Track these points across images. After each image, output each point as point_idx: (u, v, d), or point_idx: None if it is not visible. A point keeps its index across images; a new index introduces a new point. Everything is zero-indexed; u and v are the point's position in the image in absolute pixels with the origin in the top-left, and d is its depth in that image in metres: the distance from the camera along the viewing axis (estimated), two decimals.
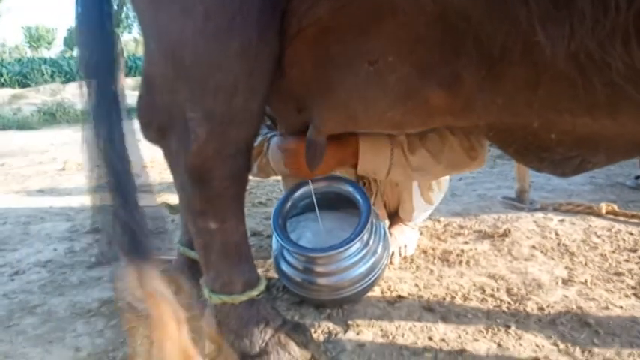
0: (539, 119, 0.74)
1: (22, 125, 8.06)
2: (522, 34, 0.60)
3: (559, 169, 0.87)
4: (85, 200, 2.66)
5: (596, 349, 1.07)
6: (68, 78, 16.10)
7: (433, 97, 0.78)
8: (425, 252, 1.67)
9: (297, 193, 1.36)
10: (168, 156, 1.00)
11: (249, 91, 0.85)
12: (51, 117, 8.95)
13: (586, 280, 1.41)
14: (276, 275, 1.39)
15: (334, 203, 1.37)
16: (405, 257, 1.62)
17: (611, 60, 0.53)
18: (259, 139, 1.42)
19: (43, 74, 14.80)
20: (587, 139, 0.78)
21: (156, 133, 0.98)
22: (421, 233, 1.82)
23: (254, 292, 1.01)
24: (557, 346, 1.09)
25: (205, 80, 0.83)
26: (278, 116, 1.22)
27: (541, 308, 1.26)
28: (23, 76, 16.07)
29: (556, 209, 2.07)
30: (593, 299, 1.29)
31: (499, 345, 1.10)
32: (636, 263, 1.51)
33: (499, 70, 0.67)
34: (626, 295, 1.31)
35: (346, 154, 1.24)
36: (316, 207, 1.31)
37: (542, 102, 0.67)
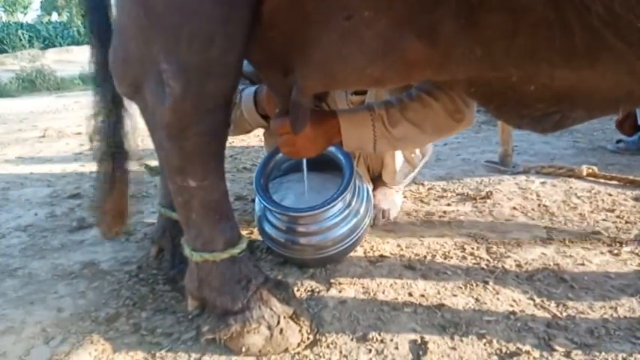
0: (518, 71, 0.73)
1: (0, 93, 7.83)
2: None
3: (539, 125, 0.87)
4: (67, 166, 2.61)
5: (570, 303, 1.10)
6: (47, 44, 15.60)
7: (412, 51, 0.76)
8: (408, 214, 1.69)
9: (280, 155, 1.34)
10: (144, 112, 0.97)
11: (226, 41, 0.82)
12: (30, 84, 8.71)
13: (564, 239, 1.44)
14: (260, 237, 1.39)
15: (317, 165, 1.36)
16: (388, 219, 1.63)
17: (590, 3, 0.52)
18: None
19: (21, 39, 14.31)
20: (566, 93, 0.77)
21: (130, 87, 0.95)
22: (405, 197, 1.83)
23: (235, 250, 1.00)
24: (534, 300, 1.12)
25: (179, 28, 0.79)
26: (267, 84, 1.19)
27: (519, 265, 1.28)
28: None
29: (538, 172, 2.10)
30: (570, 256, 1.32)
31: (477, 300, 1.12)
32: (613, 222, 1.55)
33: (478, 18, 0.65)
34: (602, 253, 1.34)
35: (332, 133, 1.20)
36: (305, 166, 1.30)
37: (520, 52, 0.66)
